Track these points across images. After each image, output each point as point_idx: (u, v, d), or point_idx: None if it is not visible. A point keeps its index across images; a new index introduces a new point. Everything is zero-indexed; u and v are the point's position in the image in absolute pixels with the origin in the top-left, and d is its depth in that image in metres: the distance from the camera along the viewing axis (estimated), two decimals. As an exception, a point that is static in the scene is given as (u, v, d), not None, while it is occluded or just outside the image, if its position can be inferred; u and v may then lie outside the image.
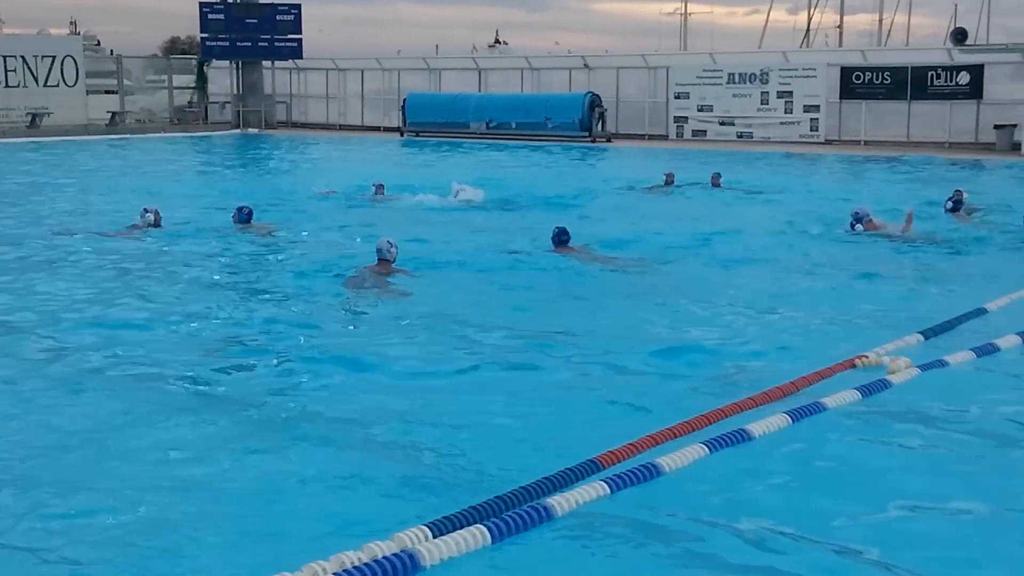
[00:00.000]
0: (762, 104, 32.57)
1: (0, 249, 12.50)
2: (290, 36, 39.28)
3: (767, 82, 32.42)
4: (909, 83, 30.23)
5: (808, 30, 63.71)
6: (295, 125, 41.26)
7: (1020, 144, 27.86)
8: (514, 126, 34.97)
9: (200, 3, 38.32)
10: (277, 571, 4.00)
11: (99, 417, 6.39)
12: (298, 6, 39.23)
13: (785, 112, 32.23)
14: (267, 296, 10.08)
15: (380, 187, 18.14)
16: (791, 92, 32.05)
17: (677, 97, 34.00)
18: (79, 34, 61.05)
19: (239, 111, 39.79)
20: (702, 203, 17.95)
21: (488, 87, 38.48)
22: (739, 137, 32.89)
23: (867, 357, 7.31)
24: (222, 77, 41.19)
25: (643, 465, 5.19)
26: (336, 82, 41.53)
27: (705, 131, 33.52)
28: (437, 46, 61.84)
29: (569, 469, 5.11)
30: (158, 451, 5.76)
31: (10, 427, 6.20)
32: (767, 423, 5.87)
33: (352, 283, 10.32)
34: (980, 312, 8.95)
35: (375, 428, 6.18)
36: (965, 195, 15.89)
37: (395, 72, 40.51)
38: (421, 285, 10.30)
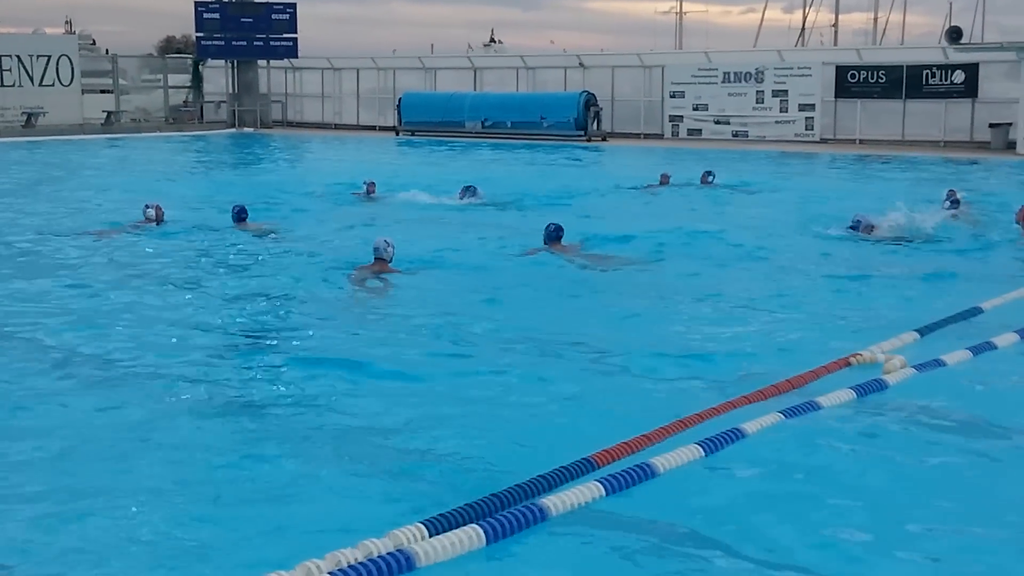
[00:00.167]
0: (757, 103, 32.60)
1: None
2: (285, 35, 39.27)
3: (762, 81, 32.44)
4: (904, 82, 30.29)
5: (803, 29, 63.84)
6: (291, 124, 41.24)
7: (1015, 142, 27.90)
8: (509, 125, 34.97)
9: (195, 2, 38.27)
10: (272, 569, 4.00)
11: (95, 417, 6.38)
12: (293, 5, 39.21)
13: (780, 111, 32.26)
14: (263, 296, 10.07)
15: (372, 185, 18.13)
16: (786, 91, 32.08)
17: (672, 96, 34.02)
18: (74, 33, 60.75)
19: (235, 110, 39.79)
20: (697, 202, 17.95)
21: (483, 86, 38.49)
22: (734, 136, 32.92)
23: (862, 355, 7.32)
24: (217, 76, 41.20)
25: (638, 465, 5.18)
26: (331, 81, 41.54)
27: (700, 130, 33.54)
28: (432, 45, 61.75)
29: (564, 467, 5.10)
30: (155, 451, 5.76)
31: (10, 427, 6.19)
32: (761, 421, 5.87)
33: (349, 282, 10.32)
34: (976, 311, 8.95)
35: (371, 426, 6.19)
36: (960, 194, 15.90)
37: (390, 71, 40.50)
38: (417, 284, 10.30)
